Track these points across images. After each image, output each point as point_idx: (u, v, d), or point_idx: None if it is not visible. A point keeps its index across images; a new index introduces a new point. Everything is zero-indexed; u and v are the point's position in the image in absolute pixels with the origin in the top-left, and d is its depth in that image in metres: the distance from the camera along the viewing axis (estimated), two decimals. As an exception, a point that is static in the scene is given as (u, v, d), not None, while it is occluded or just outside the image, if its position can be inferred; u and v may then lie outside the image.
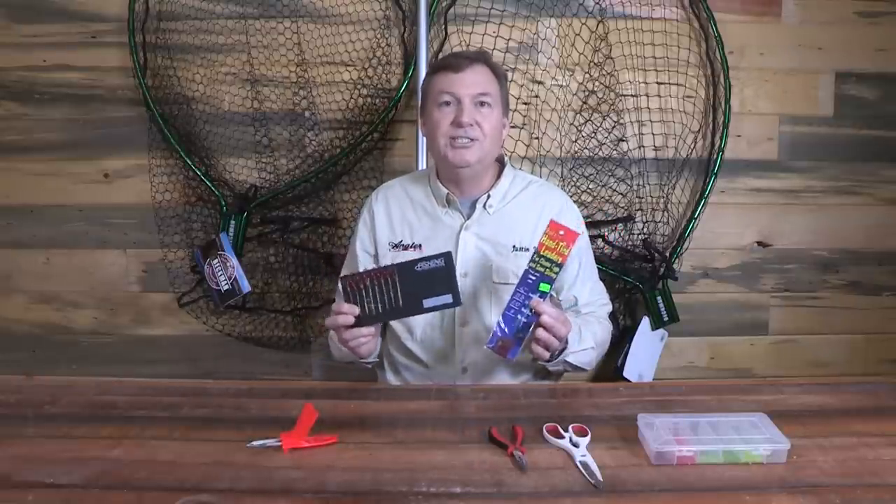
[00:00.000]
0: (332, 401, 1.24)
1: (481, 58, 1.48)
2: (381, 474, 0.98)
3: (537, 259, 1.26)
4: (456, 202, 1.49)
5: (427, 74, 1.52)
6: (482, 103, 1.43)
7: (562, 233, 1.26)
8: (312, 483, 0.96)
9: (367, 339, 1.31)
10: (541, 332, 1.25)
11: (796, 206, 2.12)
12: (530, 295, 1.25)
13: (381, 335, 1.60)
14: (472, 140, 1.41)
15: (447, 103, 1.43)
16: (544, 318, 1.25)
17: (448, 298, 1.22)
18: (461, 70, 1.42)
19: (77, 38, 2.05)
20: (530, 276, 1.26)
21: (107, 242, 2.14)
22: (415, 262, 1.24)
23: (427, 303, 1.22)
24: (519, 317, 1.26)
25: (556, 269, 1.26)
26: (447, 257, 1.23)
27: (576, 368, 1.43)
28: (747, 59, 2.05)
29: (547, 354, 1.28)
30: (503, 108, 1.49)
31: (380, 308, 1.25)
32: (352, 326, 1.28)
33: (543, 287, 1.25)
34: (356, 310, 1.26)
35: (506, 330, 1.26)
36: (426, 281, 1.22)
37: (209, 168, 2.04)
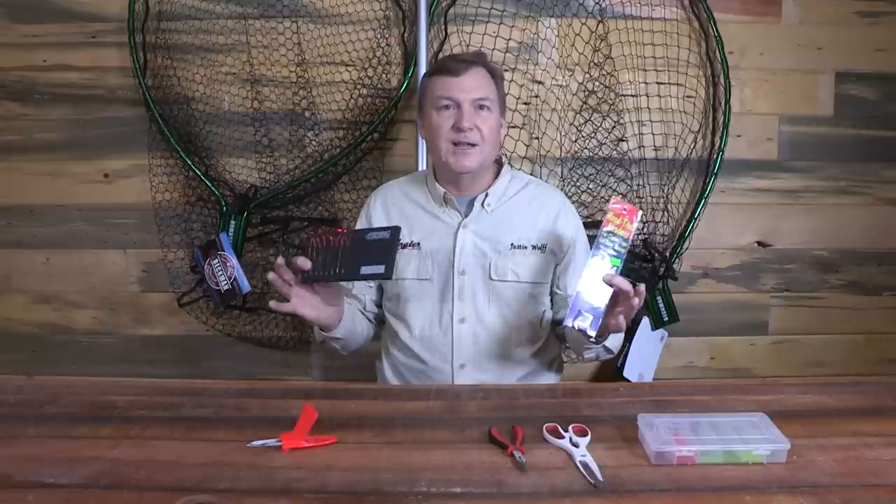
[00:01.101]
0: (331, 401, 1.24)
1: (479, 60, 1.48)
2: (380, 474, 0.98)
3: (606, 234, 1.28)
4: (453, 201, 1.50)
5: (424, 77, 1.52)
6: (481, 107, 1.43)
7: (626, 209, 1.29)
8: (312, 483, 0.96)
9: (297, 295, 1.29)
10: (634, 302, 1.26)
11: (796, 206, 2.12)
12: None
13: (378, 335, 1.61)
14: (472, 145, 1.42)
15: (446, 107, 1.43)
16: (639, 288, 1.26)
17: (381, 268, 1.22)
18: (460, 74, 1.42)
19: (77, 38, 2.05)
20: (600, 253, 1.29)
21: (107, 242, 2.14)
22: (367, 230, 1.26)
23: (363, 269, 1.23)
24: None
25: (624, 245, 1.28)
26: (395, 231, 1.25)
27: (608, 352, 1.46)
28: (747, 59, 2.05)
29: (624, 326, 1.30)
30: (501, 109, 1.50)
31: (325, 270, 1.25)
32: (302, 280, 1.27)
33: (614, 262, 1.27)
34: (308, 264, 1.25)
35: (582, 305, 1.27)
36: (370, 250, 1.23)
37: (209, 168, 2.04)
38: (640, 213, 1.33)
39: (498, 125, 1.48)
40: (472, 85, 1.43)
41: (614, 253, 1.28)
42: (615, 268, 1.27)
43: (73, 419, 1.17)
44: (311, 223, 2.05)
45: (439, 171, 1.52)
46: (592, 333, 1.28)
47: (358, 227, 1.58)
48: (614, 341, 1.45)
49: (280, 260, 1.28)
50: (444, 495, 0.93)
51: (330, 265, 1.25)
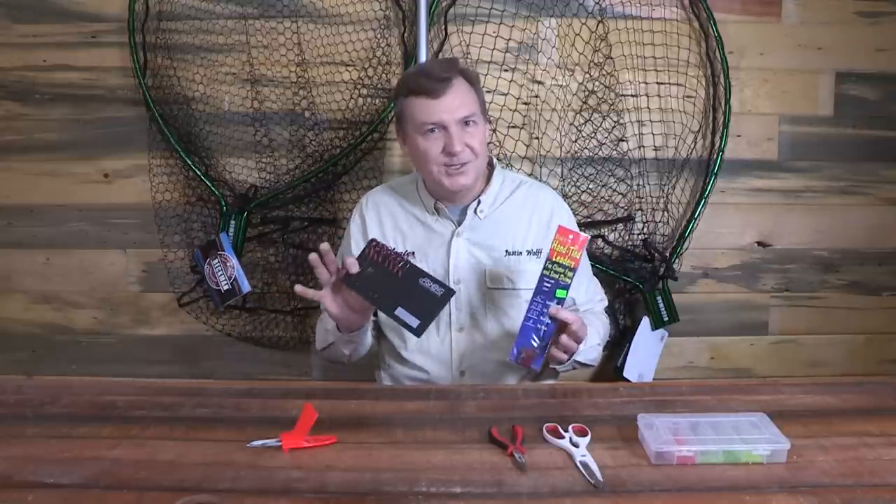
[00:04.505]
0: (331, 401, 1.24)
1: (454, 71, 1.40)
2: (381, 474, 0.98)
3: (550, 266, 1.26)
4: (445, 210, 1.48)
5: (401, 95, 1.42)
6: (468, 122, 1.39)
7: (571, 237, 1.26)
8: (312, 483, 0.96)
9: (332, 289, 1.25)
10: (564, 339, 1.25)
11: (796, 206, 2.12)
12: (548, 303, 1.25)
13: (378, 343, 1.58)
14: (465, 164, 1.39)
15: (432, 130, 1.38)
16: (572, 326, 1.24)
17: (415, 322, 1.18)
18: (440, 94, 1.36)
19: (77, 38, 2.05)
20: (546, 284, 1.25)
21: (107, 242, 2.14)
22: (424, 274, 1.22)
23: (399, 311, 1.18)
24: (539, 326, 1.26)
25: (570, 274, 1.25)
26: (448, 293, 1.20)
27: (583, 366, 1.44)
28: (747, 59, 2.04)
29: (566, 357, 1.28)
30: (484, 115, 1.46)
31: (368, 285, 1.22)
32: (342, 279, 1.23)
33: (560, 293, 1.25)
34: (355, 267, 1.22)
35: (530, 340, 1.25)
36: (416, 295, 1.19)
37: (209, 168, 2.04)
38: (588, 238, 1.28)
39: (485, 134, 1.44)
40: (455, 104, 1.36)
41: (560, 284, 1.25)
42: (560, 300, 1.25)
43: (73, 419, 1.17)
44: (311, 223, 2.05)
45: (430, 186, 1.49)
46: (537, 369, 1.27)
47: (353, 229, 1.56)
48: (590, 355, 1.42)
49: (325, 246, 1.23)
50: (444, 495, 0.93)
51: (373, 284, 1.21)
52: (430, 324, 1.20)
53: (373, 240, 1.26)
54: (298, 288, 1.25)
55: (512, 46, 2.02)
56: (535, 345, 1.26)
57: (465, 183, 1.41)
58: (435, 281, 1.21)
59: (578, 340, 1.28)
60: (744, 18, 2.03)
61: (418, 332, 1.18)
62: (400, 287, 1.20)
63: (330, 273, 1.25)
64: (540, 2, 2.00)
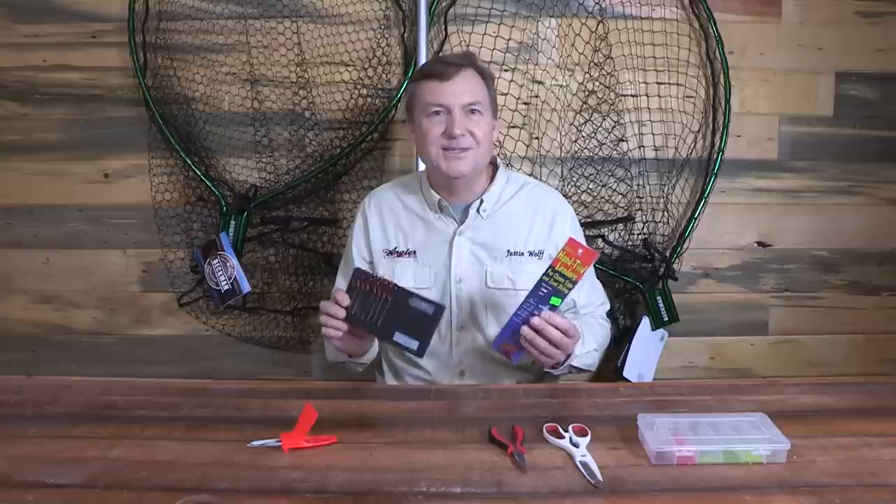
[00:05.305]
0: (331, 401, 1.24)
1: (467, 61, 1.43)
2: (381, 474, 0.98)
3: (552, 273, 1.24)
4: (448, 208, 1.48)
5: (412, 81, 1.47)
6: (472, 111, 1.40)
7: (580, 251, 1.23)
8: (312, 483, 0.97)
9: (338, 332, 1.26)
10: (544, 345, 1.24)
11: (796, 206, 2.12)
12: (540, 306, 1.24)
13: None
14: (465, 150, 1.39)
15: (437, 113, 1.39)
16: (569, 332, 1.24)
17: (414, 344, 1.20)
18: (449, 78, 1.38)
19: (77, 38, 2.05)
20: (542, 289, 1.24)
21: (107, 242, 2.14)
22: (413, 294, 1.22)
23: (397, 336, 1.21)
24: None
25: (569, 286, 1.23)
26: (439, 309, 1.21)
27: (579, 370, 1.43)
28: (747, 59, 2.04)
29: (550, 362, 1.27)
30: (493, 110, 1.47)
31: (363, 315, 1.24)
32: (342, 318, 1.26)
33: (554, 301, 1.24)
34: (346, 300, 1.24)
35: (513, 335, 1.25)
36: (409, 317, 1.21)
37: (209, 168, 2.04)
38: (598, 255, 1.27)
39: (491, 127, 1.44)
40: (462, 89, 1.39)
41: (557, 292, 1.23)
42: (555, 307, 1.24)
43: (73, 419, 1.17)
44: (311, 223, 2.05)
45: (433, 177, 1.49)
46: (514, 363, 1.27)
47: (355, 232, 1.56)
48: (586, 360, 1.41)
49: (343, 297, 1.24)
50: (444, 495, 0.93)
51: (366, 312, 1.23)
52: (430, 343, 1.21)
53: (357, 269, 1.28)
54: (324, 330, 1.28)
55: (512, 46, 2.02)
56: (516, 340, 1.25)
57: (463, 170, 1.40)
58: (423, 299, 1.22)
59: (564, 350, 1.26)
60: (744, 18, 2.03)
61: (420, 353, 1.20)
62: (393, 311, 1.22)
63: (340, 318, 1.25)
64: (540, 2, 2.00)
